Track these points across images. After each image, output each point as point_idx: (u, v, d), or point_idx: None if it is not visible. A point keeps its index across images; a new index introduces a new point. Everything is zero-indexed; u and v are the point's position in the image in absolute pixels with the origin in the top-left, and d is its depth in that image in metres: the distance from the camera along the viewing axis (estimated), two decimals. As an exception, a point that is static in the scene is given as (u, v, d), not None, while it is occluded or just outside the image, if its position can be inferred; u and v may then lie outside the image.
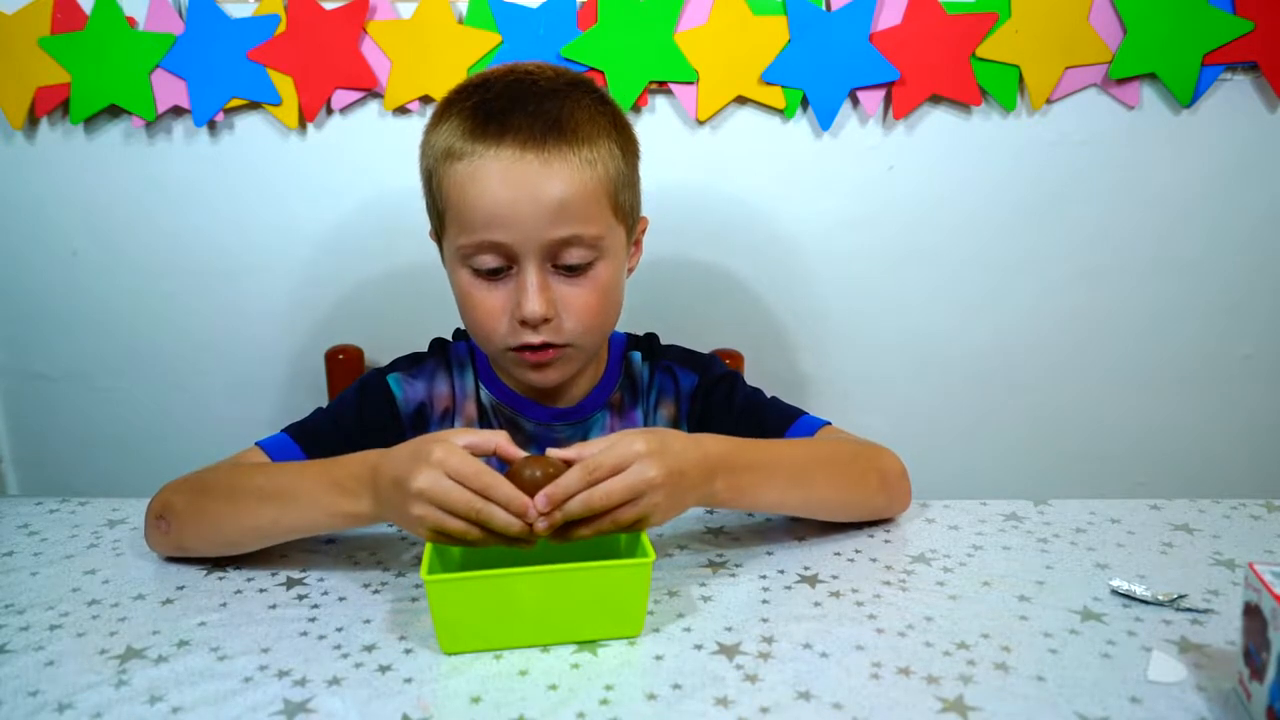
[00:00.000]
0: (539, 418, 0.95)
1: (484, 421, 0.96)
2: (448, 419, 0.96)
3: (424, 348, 1.01)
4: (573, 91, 0.86)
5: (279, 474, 0.81)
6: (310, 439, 0.89)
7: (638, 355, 1.00)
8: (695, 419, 0.97)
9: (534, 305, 0.82)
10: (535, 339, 0.85)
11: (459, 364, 0.98)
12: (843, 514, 0.87)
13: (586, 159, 0.83)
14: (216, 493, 0.82)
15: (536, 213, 0.81)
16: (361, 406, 0.94)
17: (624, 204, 0.88)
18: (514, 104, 0.83)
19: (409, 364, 0.98)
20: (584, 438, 0.96)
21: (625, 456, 0.70)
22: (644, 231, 0.95)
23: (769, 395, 0.98)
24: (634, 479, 0.69)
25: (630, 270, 0.93)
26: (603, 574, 0.68)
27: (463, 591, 0.66)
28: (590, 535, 0.70)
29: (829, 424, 0.93)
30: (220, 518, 0.81)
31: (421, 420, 0.96)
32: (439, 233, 0.90)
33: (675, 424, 0.98)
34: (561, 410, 0.95)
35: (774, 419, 0.94)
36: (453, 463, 0.68)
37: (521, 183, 0.81)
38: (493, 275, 0.85)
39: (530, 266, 0.83)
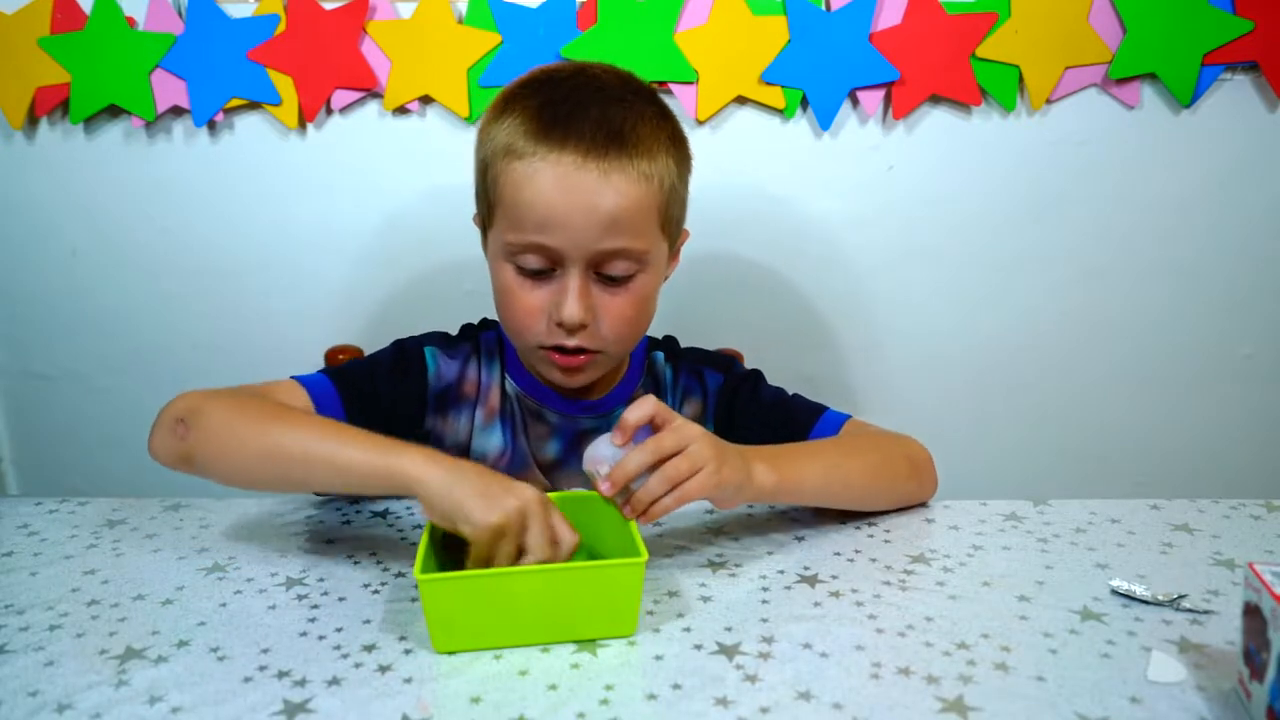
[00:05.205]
0: (564, 410, 0.96)
1: (507, 411, 0.96)
2: (467, 406, 0.96)
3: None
4: (636, 101, 0.86)
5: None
6: (347, 384, 0.89)
7: (660, 355, 1.01)
8: (722, 416, 0.98)
9: (573, 311, 0.83)
10: (570, 342, 0.86)
11: (488, 352, 0.98)
12: (877, 500, 0.89)
13: (644, 173, 0.83)
14: (262, 415, 0.78)
15: (589, 223, 0.82)
16: (395, 366, 0.93)
17: (673, 218, 0.89)
18: (578, 108, 0.83)
19: (445, 341, 0.97)
20: (607, 430, 0.96)
21: (686, 437, 0.75)
22: (684, 242, 0.95)
23: (790, 393, 1.00)
24: (685, 440, 0.75)
25: (665, 279, 0.94)
26: (595, 573, 0.68)
27: (455, 591, 0.66)
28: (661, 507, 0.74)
29: (851, 417, 0.95)
30: (256, 440, 0.77)
31: (445, 402, 0.95)
32: (486, 222, 0.90)
33: (700, 422, 0.99)
34: (586, 404, 0.96)
35: (799, 413, 0.96)
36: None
37: (578, 191, 0.81)
38: (535, 275, 0.85)
39: (574, 272, 0.84)
